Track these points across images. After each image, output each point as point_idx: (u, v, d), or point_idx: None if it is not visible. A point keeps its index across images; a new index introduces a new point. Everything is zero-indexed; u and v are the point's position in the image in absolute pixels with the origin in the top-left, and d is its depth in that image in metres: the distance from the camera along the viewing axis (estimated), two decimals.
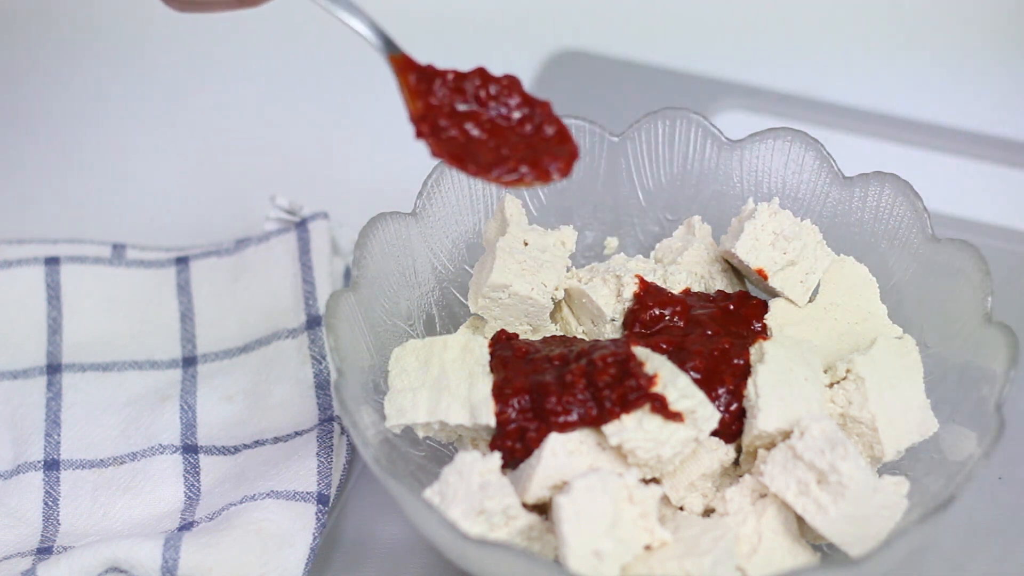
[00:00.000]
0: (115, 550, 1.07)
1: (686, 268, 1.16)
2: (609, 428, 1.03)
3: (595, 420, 1.04)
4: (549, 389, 1.04)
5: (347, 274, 1.26)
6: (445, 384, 1.06)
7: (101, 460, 1.17)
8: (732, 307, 1.13)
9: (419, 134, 1.02)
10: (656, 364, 1.05)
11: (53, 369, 1.22)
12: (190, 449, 1.17)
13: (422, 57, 0.97)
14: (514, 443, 1.05)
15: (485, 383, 1.06)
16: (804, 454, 1.02)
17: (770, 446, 1.06)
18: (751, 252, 1.13)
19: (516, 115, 1.04)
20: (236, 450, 1.17)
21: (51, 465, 1.17)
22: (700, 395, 1.04)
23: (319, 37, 1.45)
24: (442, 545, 1.01)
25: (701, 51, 1.46)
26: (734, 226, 1.16)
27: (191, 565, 1.07)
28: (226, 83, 1.46)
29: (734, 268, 1.18)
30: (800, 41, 1.33)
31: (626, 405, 1.03)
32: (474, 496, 1.01)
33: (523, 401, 1.05)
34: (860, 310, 1.14)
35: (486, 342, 1.08)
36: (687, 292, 1.15)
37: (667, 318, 1.12)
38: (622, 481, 1.01)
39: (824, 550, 1.07)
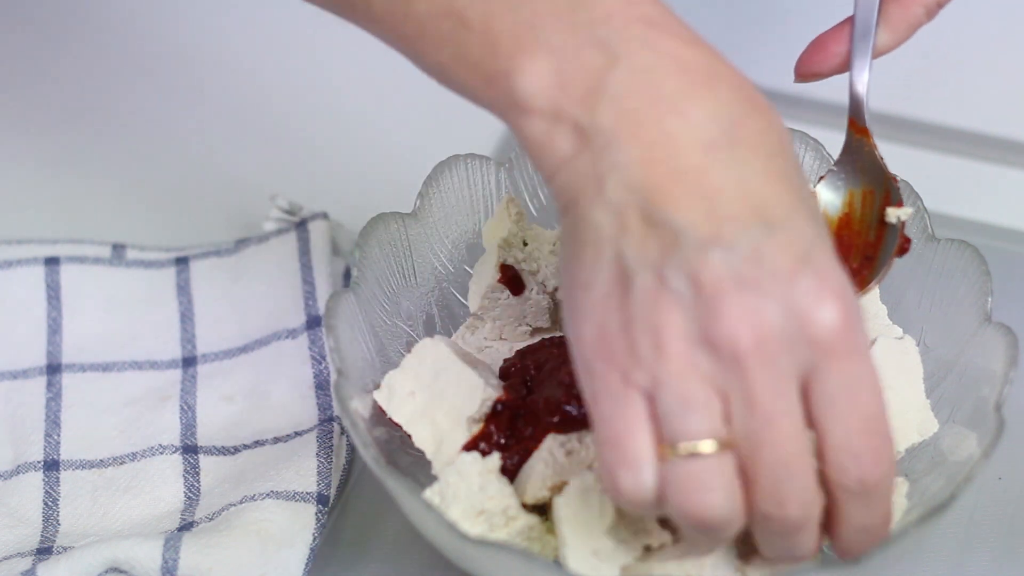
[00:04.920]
0: (115, 550, 1.07)
1: None
2: None
3: None
4: (545, 390, 1.04)
5: (347, 274, 1.26)
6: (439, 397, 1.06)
7: (101, 460, 1.17)
8: None
9: None
10: None
11: (53, 369, 1.21)
12: (190, 449, 1.17)
13: None
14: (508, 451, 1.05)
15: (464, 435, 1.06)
16: None
17: None
18: None
19: None
20: (236, 450, 1.17)
21: (51, 465, 1.17)
22: None
23: (320, 37, 1.45)
24: (442, 545, 1.01)
25: None
26: None
27: (191, 565, 1.07)
28: (226, 83, 1.46)
29: None
30: (799, 41, 1.33)
31: None
32: (474, 496, 1.01)
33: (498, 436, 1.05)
34: None
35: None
36: None
37: None
38: None
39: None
